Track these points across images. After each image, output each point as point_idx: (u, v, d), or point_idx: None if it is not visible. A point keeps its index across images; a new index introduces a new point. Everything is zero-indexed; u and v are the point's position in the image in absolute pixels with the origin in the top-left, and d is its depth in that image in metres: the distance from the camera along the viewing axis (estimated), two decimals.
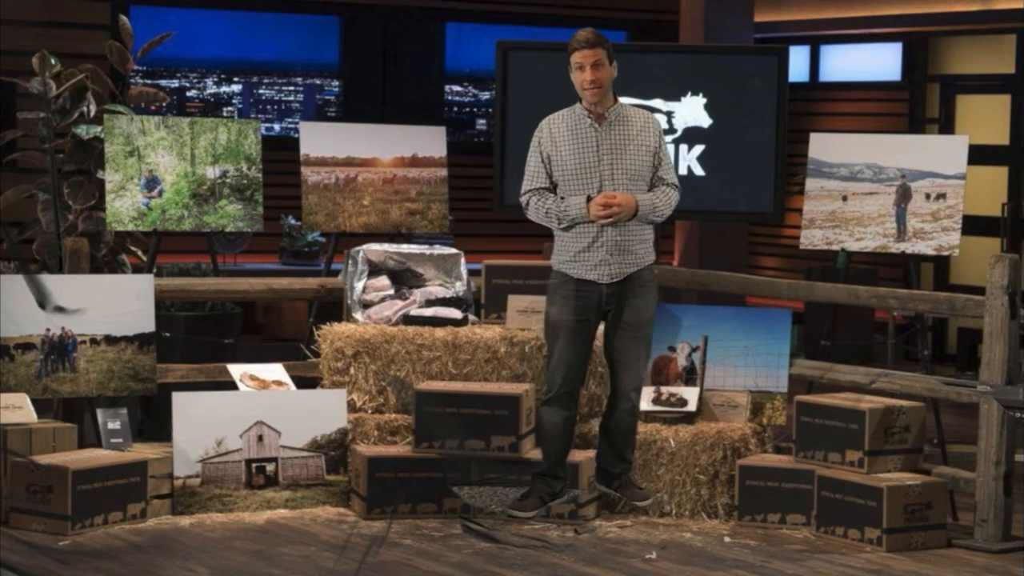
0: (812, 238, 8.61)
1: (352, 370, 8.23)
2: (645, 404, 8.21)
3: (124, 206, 8.80)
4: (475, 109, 14.25)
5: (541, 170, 7.29)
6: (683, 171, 9.08)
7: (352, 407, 8.19)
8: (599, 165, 7.21)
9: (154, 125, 8.91)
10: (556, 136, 7.30)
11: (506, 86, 9.21)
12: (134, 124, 8.87)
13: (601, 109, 7.25)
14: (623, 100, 7.42)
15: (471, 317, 8.49)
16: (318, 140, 9.27)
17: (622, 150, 7.22)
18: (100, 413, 7.96)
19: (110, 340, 8.12)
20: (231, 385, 8.29)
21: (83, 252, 8.28)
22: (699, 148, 9.03)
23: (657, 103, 9.11)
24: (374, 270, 8.59)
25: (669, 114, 9.11)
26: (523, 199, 7.30)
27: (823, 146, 8.66)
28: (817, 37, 14.87)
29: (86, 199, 9.20)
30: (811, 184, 8.62)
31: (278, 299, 10.66)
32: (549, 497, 7.40)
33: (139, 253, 9.51)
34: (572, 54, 7.28)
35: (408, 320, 8.36)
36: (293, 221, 11.85)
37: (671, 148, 9.07)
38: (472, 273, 8.74)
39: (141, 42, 9.56)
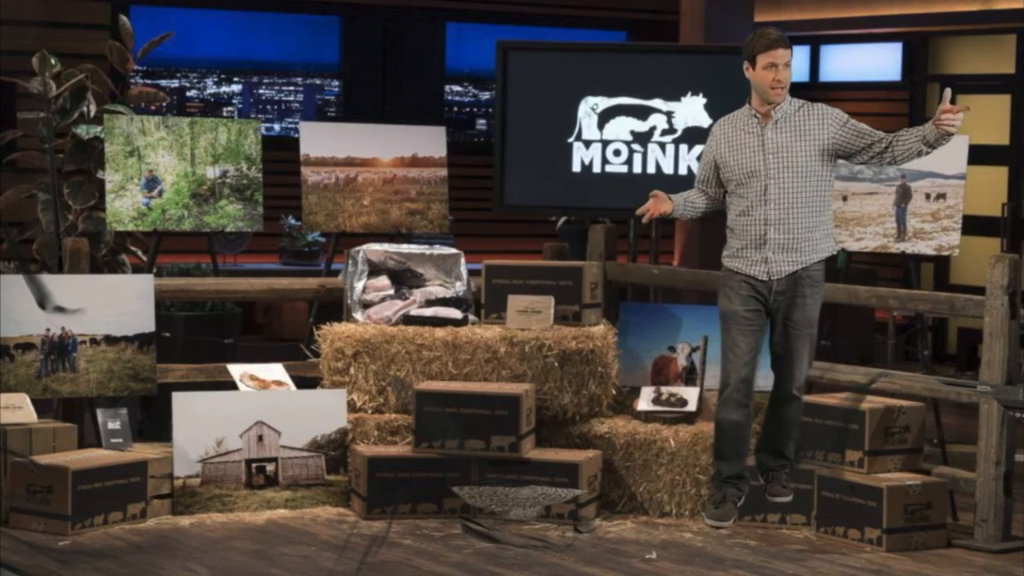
0: None
1: (352, 370, 8.23)
2: (645, 404, 8.23)
3: (124, 206, 8.80)
4: (475, 109, 14.25)
5: (705, 173, 7.32)
6: (683, 171, 9.09)
7: (352, 407, 8.19)
8: (764, 166, 7.12)
9: (154, 125, 8.91)
10: (723, 140, 7.25)
11: (506, 86, 9.22)
12: (134, 124, 8.87)
13: (767, 108, 7.18)
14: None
15: (471, 317, 8.49)
16: (318, 140, 9.27)
17: (788, 150, 7.11)
18: (100, 413, 7.96)
19: (110, 340, 8.12)
20: (231, 385, 8.29)
21: (83, 252, 8.28)
22: (699, 148, 9.02)
23: (657, 103, 9.12)
24: (374, 270, 8.59)
25: (669, 114, 9.12)
26: None
27: None
28: (817, 37, 14.87)
29: (86, 199, 9.20)
30: None
31: (278, 299, 10.66)
32: (739, 500, 7.30)
33: (139, 253, 9.51)
34: (764, 52, 7.16)
35: (408, 320, 8.36)
36: (293, 221, 11.85)
37: (671, 148, 9.09)
38: (472, 273, 8.74)
39: (141, 42, 9.56)
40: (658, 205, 7.30)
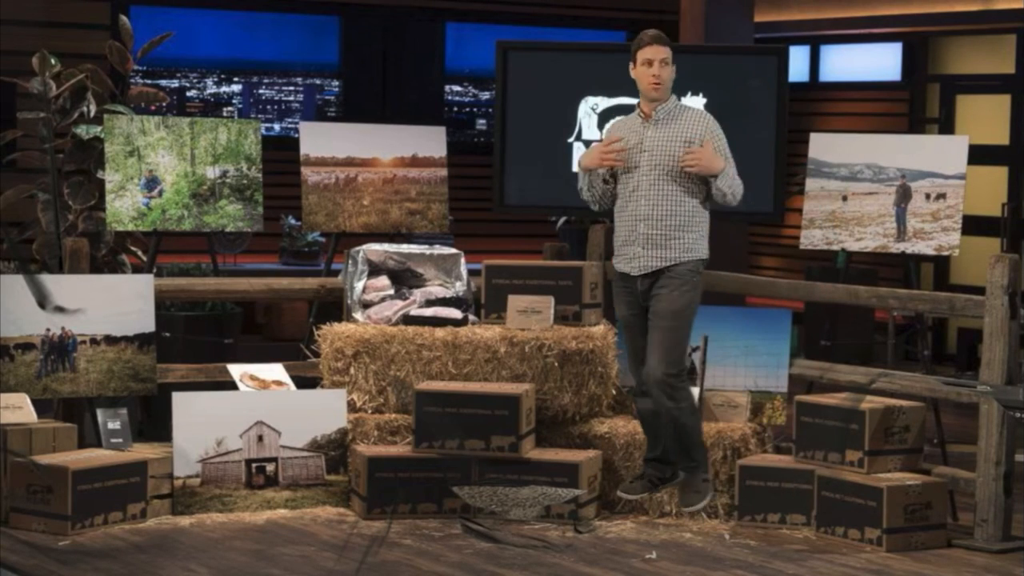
0: (812, 238, 8.61)
1: (352, 370, 8.23)
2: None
3: (124, 206, 8.80)
4: (475, 109, 14.24)
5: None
6: None
7: (352, 407, 8.19)
8: (639, 162, 7.39)
9: (154, 125, 8.91)
10: (614, 135, 7.56)
11: (506, 86, 9.21)
12: (134, 124, 8.87)
13: (650, 108, 7.46)
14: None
15: (471, 317, 8.49)
16: (318, 140, 9.26)
17: (662, 149, 7.38)
18: (100, 413, 7.96)
19: (110, 340, 8.12)
20: (231, 385, 8.29)
21: (83, 252, 8.28)
22: None
23: None
24: (374, 270, 8.59)
25: None
26: None
27: (823, 146, 8.66)
28: (817, 37, 14.87)
29: (86, 199, 9.20)
30: (811, 184, 8.62)
31: (278, 299, 10.65)
32: (659, 481, 7.56)
33: (139, 253, 9.51)
34: (640, 50, 7.48)
35: (408, 320, 8.36)
36: (293, 221, 11.85)
37: None
38: (472, 273, 8.74)
39: (141, 42, 9.56)
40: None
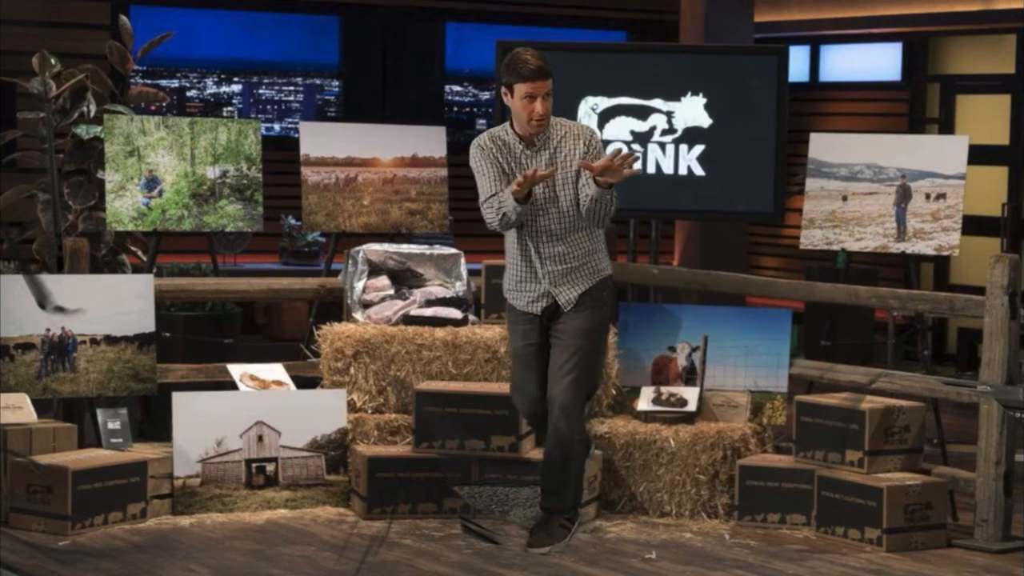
0: (812, 238, 8.61)
1: (352, 370, 8.23)
2: (645, 404, 8.23)
3: (124, 206, 8.80)
4: (475, 109, 14.25)
5: (500, 176, 7.11)
6: (683, 171, 9.08)
7: (352, 407, 8.19)
8: (531, 198, 7.02)
9: (154, 125, 8.91)
10: (496, 162, 7.15)
11: None
12: (134, 124, 8.87)
13: (530, 137, 7.11)
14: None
15: (471, 317, 8.49)
16: (318, 140, 9.26)
17: (552, 182, 7.05)
18: (100, 413, 7.96)
19: (110, 340, 8.12)
20: (231, 385, 8.29)
21: (83, 252, 8.28)
22: (699, 148, 9.03)
23: (657, 103, 9.12)
24: (374, 270, 8.59)
25: (669, 114, 9.11)
26: (486, 206, 7.11)
27: (823, 146, 8.66)
28: (817, 37, 14.88)
29: (86, 199, 9.20)
30: (811, 184, 8.62)
31: (278, 299, 10.66)
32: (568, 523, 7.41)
33: (139, 253, 9.51)
34: (521, 83, 6.98)
35: (408, 320, 8.36)
36: (293, 221, 11.85)
37: (671, 148, 9.07)
38: (472, 273, 8.74)
39: (141, 42, 9.56)
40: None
